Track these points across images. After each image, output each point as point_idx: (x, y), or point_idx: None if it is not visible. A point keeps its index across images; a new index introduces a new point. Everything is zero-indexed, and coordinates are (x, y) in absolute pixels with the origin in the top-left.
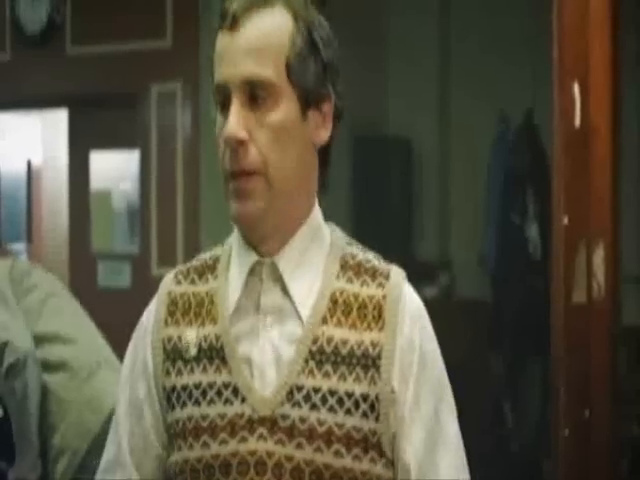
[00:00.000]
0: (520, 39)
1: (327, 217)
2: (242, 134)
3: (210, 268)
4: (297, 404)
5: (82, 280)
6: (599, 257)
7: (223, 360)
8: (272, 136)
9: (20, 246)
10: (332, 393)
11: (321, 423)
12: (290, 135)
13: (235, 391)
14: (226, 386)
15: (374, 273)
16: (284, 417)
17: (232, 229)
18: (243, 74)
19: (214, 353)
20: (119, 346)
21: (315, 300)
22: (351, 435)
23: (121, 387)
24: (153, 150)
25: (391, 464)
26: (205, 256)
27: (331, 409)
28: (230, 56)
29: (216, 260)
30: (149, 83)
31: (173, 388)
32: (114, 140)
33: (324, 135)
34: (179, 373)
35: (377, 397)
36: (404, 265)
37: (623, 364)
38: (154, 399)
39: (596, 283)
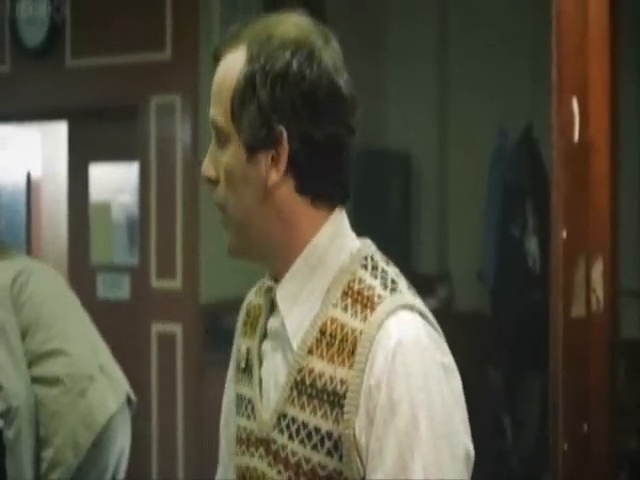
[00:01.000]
0: (519, 53)
1: None
2: (207, 172)
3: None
4: (281, 431)
5: (82, 292)
6: (598, 271)
7: (251, 375)
8: (224, 176)
9: None
10: (304, 426)
11: (293, 454)
12: (237, 177)
13: (252, 408)
14: (249, 401)
15: (367, 303)
16: (274, 442)
17: None
18: (209, 116)
19: (248, 367)
20: (119, 357)
21: (306, 329)
22: (316, 471)
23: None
24: (152, 162)
25: None
26: None
27: (302, 442)
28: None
29: None
30: (148, 95)
31: (237, 396)
32: (113, 152)
33: (273, 177)
34: (238, 381)
35: (340, 437)
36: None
37: (621, 377)
38: (233, 404)
39: (595, 297)
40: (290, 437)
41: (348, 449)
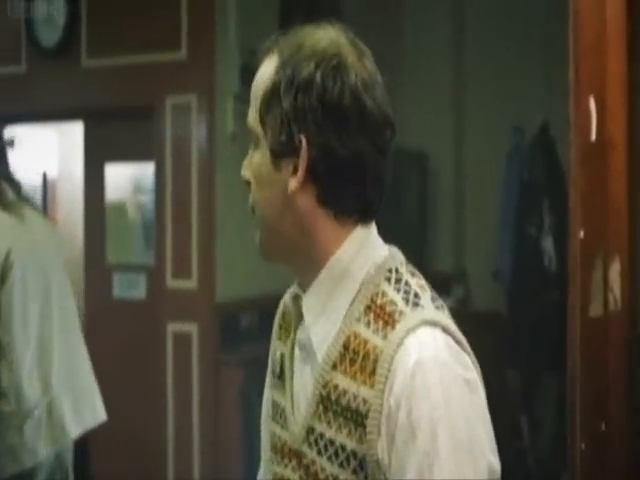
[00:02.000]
0: (535, 52)
1: None
2: (243, 174)
3: None
4: (310, 446)
5: (97, 291)
6: (615, 270)
7: (284, 384)
8: (254, 177)
9: None
10: (331, 443)
11: (322, 470)
12: (264, 179)
13: (285, 418)
14: (283, 410)
15: (388, 320)
16: (304, 455)
17: (246, 242)
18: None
19: (282, 375)
20: (135, 356)
21: (330, 344)
22: None
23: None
24: (168, 162)
25: None
26: None
27: (329, 458)
28: None
29: None
30: (164, 95)
31: (272, 401)
32: (129, 152)
33: (292, 185)
34: (273, 386)
35: (364, 457)
36: None
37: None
38: (270, 405)
39: (612, 296)
40: (319, 453)
41: (372, 469)
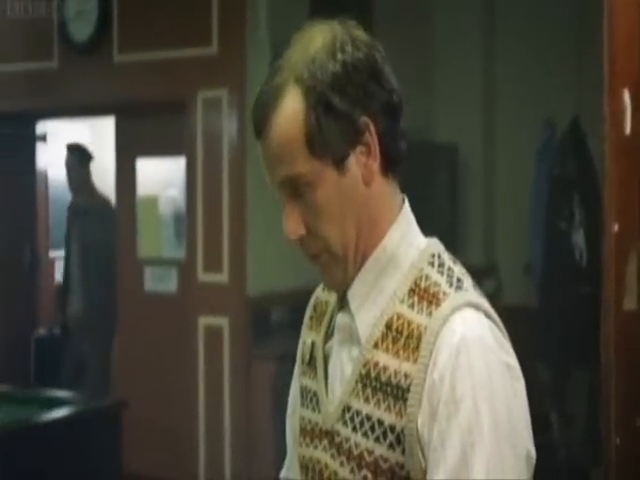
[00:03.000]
0: (567, 45)
1: None
2: (295, 235)
3: None
4: (345, 423)
5: (129, 285)
6: None
7: (315, 369)
8: (321, 215)
9: None
10: (368, 418)
11: (357, 446)
12: (336, 202)
13: (317, 401)
14: (314, 394)
15: (432, 300)
16: (337, 434)
17: (277, 236)
18: (277, 179)
19: (312, 361)
20: (167, 349)
21: (373, 324)
22: (378, 463)
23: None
24: (199, 156)
25: None
26: None
27: (365, 434)
28: (266, 163)
29: None
30: (195, 90)
31: (300, 388)
32: (160, 147)
33: (372, 165)
34: (302, 373)
35: (402, 431)
36: None
37: None
38: (297, 396)
39: None
40: (354, 429)
41: (410, 442)
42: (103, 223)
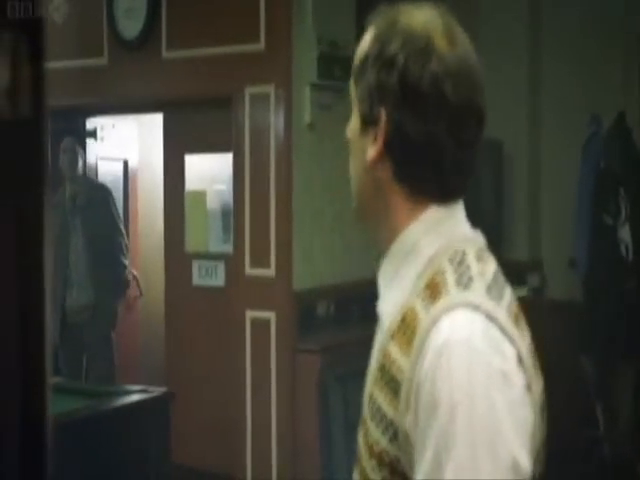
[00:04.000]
0: (613, 40)
1: None
2: (347, 132)
3: None
4: (369, 411)
5: (177, 278)
6: None
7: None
8: (350, 138)
9: None
10: (379, 409)
11: (371, 435)
12: (354, 143)
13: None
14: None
15: (435, 296)
16: (365, 421)
17: (323, 231)
18: None
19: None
20: (214, 342)
21: (393, 315)
22: (382, 456)
23: None
24: (246, 152)
25: None
26: None
27: (377, 425)
28: None
29: None
30: (243, 86)
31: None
32: (208, 142)
33: (370, 153)
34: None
35: (398, 427)
36: None
37: None
38: None
39: None
40: (372, 418)
41: (403, 440)
42: (107, 209)
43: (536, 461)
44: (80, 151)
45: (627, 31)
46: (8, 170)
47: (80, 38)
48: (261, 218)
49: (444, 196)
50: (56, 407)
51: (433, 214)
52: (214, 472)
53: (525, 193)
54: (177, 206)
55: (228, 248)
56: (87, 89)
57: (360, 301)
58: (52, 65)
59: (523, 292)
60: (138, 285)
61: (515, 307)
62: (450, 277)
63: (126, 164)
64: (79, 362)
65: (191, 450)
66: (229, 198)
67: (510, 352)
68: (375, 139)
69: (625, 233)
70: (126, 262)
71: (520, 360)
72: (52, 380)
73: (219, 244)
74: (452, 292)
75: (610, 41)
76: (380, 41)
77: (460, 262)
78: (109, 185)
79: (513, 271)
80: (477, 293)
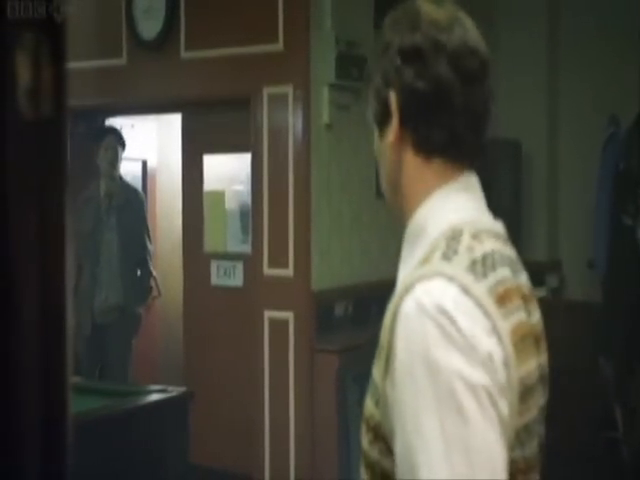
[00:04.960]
0: (631, 41)
1: None
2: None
3: None
4: (369, 385)
5: (196, 278)
6: None
7: None
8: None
9: None
10: (371, 376)
11: (365, 405)
12: (379, 157)
13: None
14: None
15: (422, 266)
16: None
17: (341, 231)
18: None
19: None
20: (233, 342)
21: (396, 291)
22: (368, 420)
23: None
24: (265, 152)
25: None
26: None
27: (370, 391)
28: None
29: None
30: (261, 86)
31: None
32: (227, 142)
33: (390, 138)
34: None
35: (380, 389)
36: None
37: None
38: None
39: None
40: (369, 387)
41: (383, 402)
42: (142, 213)
43: (515, 446)
44: (120, 151)
45: None
46: (29, 170)
47: (99, 39)
48: (279, 218)
49: (458, 153)
50: (75, 406)
51: (444, 194)
52: (232, 472)
53: (544, 194)
54: (195, 206)
55: (246, 248)
56: (106, 89)
57: (378, 301)
58: (71, 65)
59: (542, 293)
60: (157, 285)
61: (504, 289)
62: (439, 251)
63: (145, 164)
64: (96, 363)
65: (209, 450)
66: (247, 198)
67: (482, 322)
68: (392, 125)
69: None
70: (152, 270)
71: (497, 335)
72: (73, 380)
73: (237, 244)
74: (434, 262)
75: (628, 42)
76: (378, 48)
77: (453, 238)
78: None
79: (532, 271)
80: (456, 266)
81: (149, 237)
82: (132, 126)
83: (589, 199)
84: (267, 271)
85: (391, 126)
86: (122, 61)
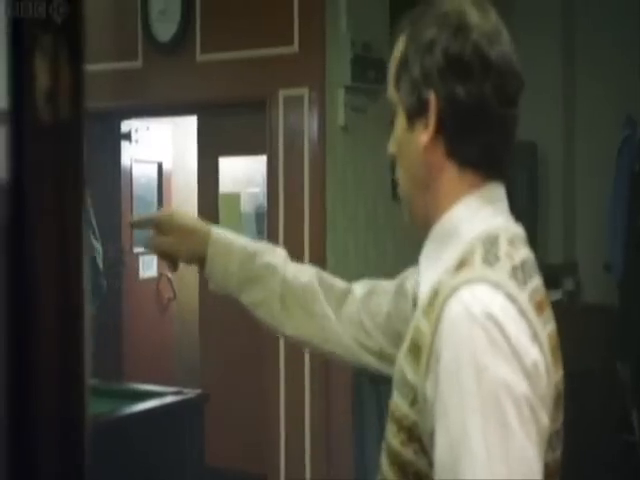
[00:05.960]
0: None
1: None
2: (389, 150)
3: None
4: (396, 380)
5: None
6: None
7: None
8: (397, 149)
9: None
10: (403, 375)
11: (393, 402)
12: (403, 146)
13: None
14: None
15: (461, 269)
16: (393, 390)
17: (357, 233)
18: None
19: None
20: (248, 344)
21: (427, 292)
22: (401, 420)
23: None
24: (280, 155)
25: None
26: None
27: (399, 390)
28: None
29: None
30: (276, 88)
31: None
32: (242, 145)
33: (423, 138)
34: None
35: (418, 390)
36: None
37: None
38: None
39: None
40: (397, 386)
41: (422, 402)
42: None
43: (547, 450)
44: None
45: None
46: (47, 173)
47: (114, 41)
48: (295, 220)
49: (493, 165)
50: (91, 408)
51: (476, 199)
52: (248, 473)
53: (560, 196)
54: (211, 208)
55: None
56: (121, 92)
57: None
58: (87, 68)
59: (558, 295)
60: (172, 287)
61: (540, 297)
62: (478, 255)
63: (160, 166)
64: None
65: (225, 451)
66: (263, 200)
67: (526, 330)
68: (426, 126)
69: None
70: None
71: (539, 344)
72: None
73: None
74: (476, 267)
75: None
76: (414, 35)
77: (491, 243)
78: (143, 188)
79: (547, 274)
80: (500, 272)
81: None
82: (147, 128)
83: (605, 201)
84: None
85: (423, 124)
86: (137, 64)
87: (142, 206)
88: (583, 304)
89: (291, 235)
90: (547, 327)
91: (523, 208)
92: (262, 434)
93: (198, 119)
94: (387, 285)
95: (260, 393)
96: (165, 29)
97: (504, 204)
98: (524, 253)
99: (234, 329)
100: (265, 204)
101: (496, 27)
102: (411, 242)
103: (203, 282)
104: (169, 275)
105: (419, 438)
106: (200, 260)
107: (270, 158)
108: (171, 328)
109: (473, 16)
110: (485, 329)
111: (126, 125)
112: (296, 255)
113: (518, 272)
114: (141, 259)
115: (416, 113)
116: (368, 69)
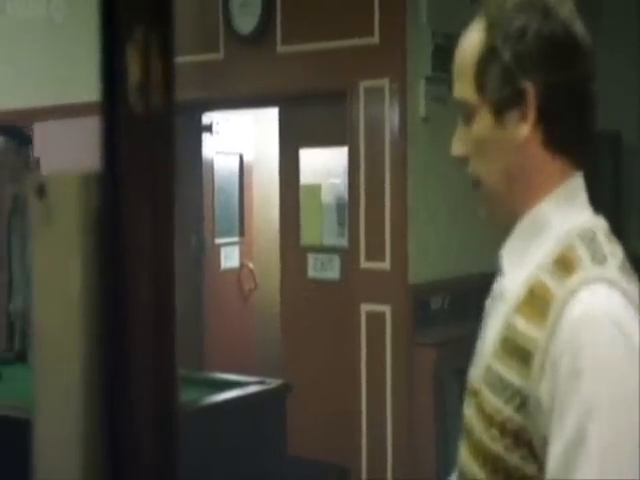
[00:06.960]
0: None
1: None
2: (456, 152)
3: None
4: (485, 383)
5: (293, 271)
6: None
7: (481, 333)
8: (475, 149)
9: (233, 239)
10: (501, 379)
11: (490, 404)
12: (488, 144)
13: (477, 362)
14: (476, 355)
15: (569, 269)
16: (478, 393)
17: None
18: (454, 96)
19: (483, 325)
20: (330, 335)
21: (519, 288)
22: (505, 424)
23: None
24: (361, 146)
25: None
26: None
27: (498, 394)
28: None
29: None
30: (357, 80)
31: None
32: (323, 136)
33: (523, 131)
34: (479, 337)
35: (527, 395)
36: None
37: None
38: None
39: None
40: (491, 389)
41: (534, 408)
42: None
43: None
44: (20, 149)
45: None
46: (140, 163)
47: (196, 34)
48: (376, 211)
49: (580, 153)
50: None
51: (563, 192)
52: (330, 464)
53: None
54: (292, 200)
55: (343, 241)
56: (203, 84)
57: (475, 295)
58: None
59: None
60: (253, 277)
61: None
62: (583, 253)
63: (241, 158)
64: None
65: (307, 442)
66: (344, 192)
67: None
68: (522, 117)
69: None
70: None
71: None
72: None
73: (334, 237)
74: (588, 266)
75: None
76: (500, 24)
77: (591, 240)
78: (225, 179)
79: (633, 265)
80: (611, 269)
81: None
82: (227, 120)
83: None
84: (364, 264)
85: (516, 116)
86: (219, 56)
87: (224, 197)
88: None
89: (372, 226)
90: None
91: (607, 199)
92: (344, 425)
93: (279, 110)
94: None
95: (342, 384)
96: (246, 22)
97: (585, 195)
98: (620, 250)
99: (316, 320)
100: (346, 195)
101: (571, 7)
102: (494, 233)
103: (285, 272)
104: (250, 266)
105: (528, 441)
106: None
107: (351, 149)
108: (252, 318)
109: (552, 1)
110: (607, 331)
111: (207, 117)
112: (377, 247)
113: (625, 270)
114: (223, 250)
115: (508, 106)
116: (449, 59)
